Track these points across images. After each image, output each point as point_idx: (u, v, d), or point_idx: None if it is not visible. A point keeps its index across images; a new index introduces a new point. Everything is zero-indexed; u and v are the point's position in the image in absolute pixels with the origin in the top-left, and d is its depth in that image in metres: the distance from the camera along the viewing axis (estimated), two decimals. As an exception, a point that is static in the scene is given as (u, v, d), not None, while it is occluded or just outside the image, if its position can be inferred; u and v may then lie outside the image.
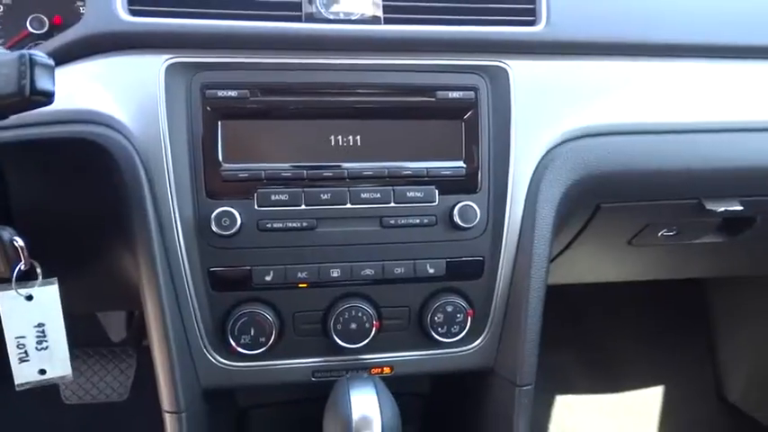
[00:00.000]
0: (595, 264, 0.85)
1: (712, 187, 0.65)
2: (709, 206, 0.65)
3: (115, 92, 0.55)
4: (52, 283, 0.52)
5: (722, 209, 0.64)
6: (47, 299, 0.51)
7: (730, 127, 0.63)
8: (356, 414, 0.47)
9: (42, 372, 0.52)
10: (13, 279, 0.49)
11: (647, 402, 1.26)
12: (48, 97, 0.41)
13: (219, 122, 0.56)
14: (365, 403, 0.47)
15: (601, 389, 1.24)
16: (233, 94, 0.56)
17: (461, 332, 0.61)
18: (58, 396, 1.06)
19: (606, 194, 0.64)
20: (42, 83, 0.40)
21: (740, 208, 0.65)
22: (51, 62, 0.41)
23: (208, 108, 0.56)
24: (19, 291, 0.50)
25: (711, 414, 1.23)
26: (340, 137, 0.58)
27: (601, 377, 1.25)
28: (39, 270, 0.51)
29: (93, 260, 0.64)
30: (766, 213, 0.69)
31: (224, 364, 0.58)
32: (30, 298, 0.51)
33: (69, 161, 0.55)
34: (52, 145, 0.53)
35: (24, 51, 0.40)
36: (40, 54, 0.41)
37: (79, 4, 0.66)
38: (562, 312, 1.11)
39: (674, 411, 1.24)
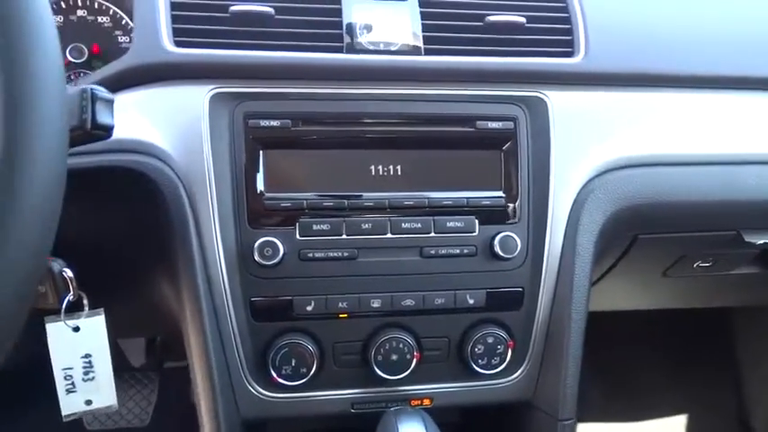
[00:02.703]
0: (628, 293, 0.84)
1: (751, 219, 0.65)
2: (749, 238, 0.64)
3: (159, 122, 0.55)
4: (99, 314, 0.52)
5: (762, 241, 0.64)
6: (93, 329, 0.51)
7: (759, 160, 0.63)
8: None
9: (89, 402, 0.52)
10: (63, 310, 0.49)
11: (661, 415, 1.25)
12: (107, 131, 0.41)
13: (262, 152, 0.57)
14: (414, 435, 0.47)
15: (623, 417, 1.23)
16: (275, 123, 0.57)
17: (502, 364, 0.60)
18: (81, 422, 1.05)
19: (645, 225, 0.64)
20: (103, 117, 0.41)
21: (782, 240, 0.65)
22: (112, 97, 0.42)
23: (251, 137, 0.56)
24: (67, 322, 0.50)
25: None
26: (380, 166, 0.59)
27: (623, 405, 1.23)
28: (85, 301, 0.51)
29: (134, 289, 0.64)
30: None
31: (264, 395, 0.58)
32: (77, 329, 0.51)
33: (114, 191, 0.56)
34: (97, 174, 0.53)
35: (86, 86, 0.40)
36: (100, 89, 0.41)
37: (117, 33, 0.67)
38: (586, 338, 1.10)
39: (692, 426, 1.22)
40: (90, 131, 0.40)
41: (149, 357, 1.15)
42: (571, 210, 0.60)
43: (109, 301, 0.55)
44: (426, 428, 0.48)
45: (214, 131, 0.56)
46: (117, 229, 0.57)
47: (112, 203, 0.57)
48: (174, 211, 0.54)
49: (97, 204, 0.56)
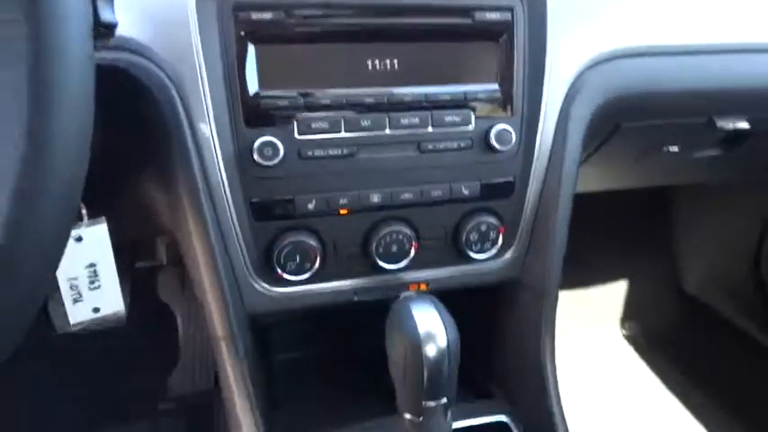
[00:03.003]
0: (599, 177, 0.89)
1: (724, 105, 0.69)
2: (720, 123, 0.68)
3: (144, 17, 0.51)
4: (100, 223, 0.51)
5: (731, 126, 0.68)
6: (96, 238, 0.51)
7: (746, 48, 0.66)
8: (422, 330, 0.49)
9: (96, 310, 0.52)
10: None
11: (612, 294, 1.38)
12: (111, 29, 0.38)
13: (254, 47, 0.54)
14: (428, 319, 0.50)
15: (570, 286, 1.34)
16: (267, 16, 0.54)
17: (493, 248, 0.64)
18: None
19: (628, 114, 0.66)
20: (105, 14, 0.37)
21: (747, 125, 0.69)
22: None
23: (241, 32, 0.53)
24: (74, 231, 0.49)
25: (672, 304, 1.36)
26: (377, 61, 0.57)
27: (571, 277, 1.35)
28: (84, 210, 0.50)
29: (122, 195, 0.63)
30: (766, 128, 0.74)
31: (269, 290, 0.60)
32: (79, 239, 0.50)
33: (99, 92, 0.52)
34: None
35: None
36: None
37: None
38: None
39: (638, 301, 1.37)
40: (93, 32, 0.37)
41: (118, 259, 1.14)
42: (563, 102, 0.62)
43: (99, 208, 0.54)
44: (437, 310, 0.51)
45: (203, 26, 0.52)
46: (108, 133, 0.55)
47: (102, 106, 0.53)
48: (167, 113, 0.52)
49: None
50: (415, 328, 0.50)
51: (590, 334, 1.37)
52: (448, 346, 0.50)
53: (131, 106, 0.53)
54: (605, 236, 1.13)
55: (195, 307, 1.20)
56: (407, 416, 0.53)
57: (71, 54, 0.31)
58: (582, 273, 1.31)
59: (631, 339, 1.37)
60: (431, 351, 0.50)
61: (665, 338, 1.35)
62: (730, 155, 0.80)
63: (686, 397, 1.24)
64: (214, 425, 1.07)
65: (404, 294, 0.58)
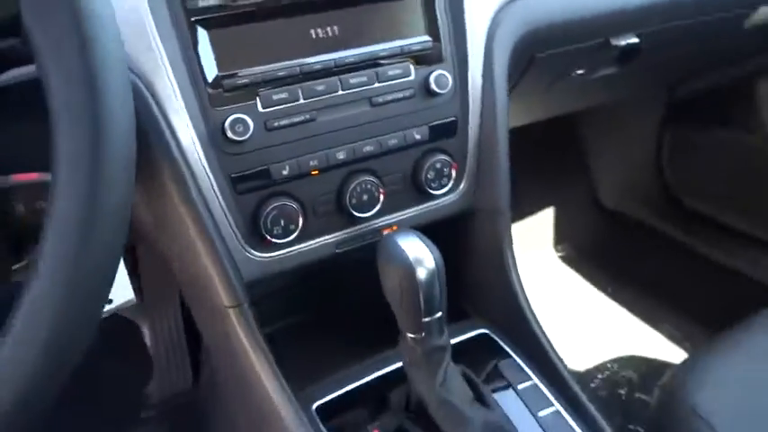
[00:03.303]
0: (518, 111, 0.99)
1: (618, 25, 0.79)
2: (614, 42, 0.79)
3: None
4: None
5: (623, 43, 0.79)
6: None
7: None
8: (412, 256, 0.56)
9: (110, 301, 0.55)
10: None
11: (544, 220, 1.51)
12: None
13: (206, 32, 0.58)
14: (415, 247, 0.57)
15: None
16: (213, 1, 0.58)
17: (449, 183, 0.71)
18: None
19: (541, 45, 0.76)
20: None
21: (637, 40, 0.80)
22: None
23: (192, 19, 0.57)
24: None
25: (595, 220, 1.51)
26: (320, 30, 0.63)
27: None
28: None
29: None
30: (652, 44, 0.86)
31: (260, 256, 0.64)
32: None
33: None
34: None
35: None
36: None
37: None
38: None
39: (566, 223, 1.51)
40: None
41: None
42: (485, 41, 0.70)
43: None
44: (420, 238, 0.58)
45: (157, 18, 0.56)
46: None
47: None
48: (141, 106, 0.55)
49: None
50: (406, 256, 0.57)
51: (530, 258, 1.49)
52: (436, 266, 0.57)
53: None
54: (530, 169, 1.24)
55: (158, 313, 1.21)
56: (410, 335, 0.60)
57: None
58: (514, 205, 1.43)
59: (566, 258, 1.52)
60: (422, 273, 0.56)
61: (595, 251, 1.50)
62: (624, 71, 0.92)
63: (619, 296, 1.40)
64: (198, 422, 1.10)
65: (385, 233, 0.65)
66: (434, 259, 0.57)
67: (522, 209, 1.47)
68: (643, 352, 1.29)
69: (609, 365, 1.27)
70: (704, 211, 1.33)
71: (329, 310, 0.85)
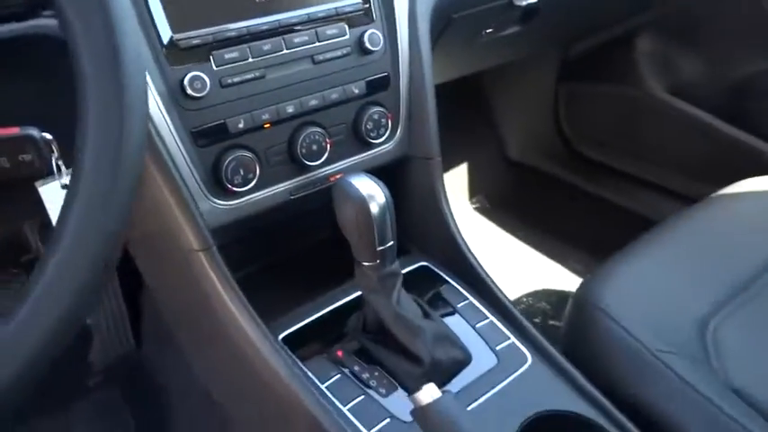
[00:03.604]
0: (437, 72, 1.08)
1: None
2: (516, 2, 0.90)
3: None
4: (75, 171, 0.56)
5: (524, 3, 0.90)
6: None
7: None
8: (365, 193, 0.64)
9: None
10: (56, 171, 0.53)
11: (458, 175, 1.64)
12: None
13: (158, -4, 0.62)
14: (367, 185, 0.64)
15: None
16: None
17: (386, 132, 0.80)
18: None
19: (455, 6, 0.85)
20: None
21: (536, 0, 0.91)
22: None
23: (142, -19, 0.61)
24: (60, 181, 0.54)
25: (505, 173, 1.65)
26: (262, -8, 0.68)
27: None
28: (60, 162, 0.55)
29: None
30: (548, 4, 0.97)
31: (223, 204, 0.69)
32: (65, 186, 0.55)
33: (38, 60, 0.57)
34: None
35: None
36: None
37: None
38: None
39: (478, 176, 1.64)
40: None
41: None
42: (409, 4, 0.78)
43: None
44: (371, 178, 0.66)
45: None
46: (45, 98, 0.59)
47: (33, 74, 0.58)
48: None
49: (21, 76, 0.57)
50: (360, 193, 0.64)
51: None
52: (386, 201, 0.65)
53: (61, 70, 0.58)
54: (443, 128, 1.35)
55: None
56: (366, 264, 0.68)
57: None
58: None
59: (480, 209, 1.65)
60: (374, 208, 0.64)
61: (505, 200, 1.64)
62: (525, 30, 1.04)
63: (529, 239, 1.55)
64: (147, 381, 1.12)
65: (338, 177, 0.72)
66: (384, 195, 0.65)
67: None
68: (553, 285, 1.45)
69: (524, 299, 1.42)
70: (596, 158, 1.50)
71: (286, 258, 0.91)
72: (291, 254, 0.91)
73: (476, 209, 1.67)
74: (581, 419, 0.65)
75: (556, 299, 1.39)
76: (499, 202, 1.65)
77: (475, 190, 1.66)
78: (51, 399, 1.13)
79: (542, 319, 1.36)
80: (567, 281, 1.45)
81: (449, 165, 1.62)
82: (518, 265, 1.50)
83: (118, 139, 0.37)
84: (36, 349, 0.38)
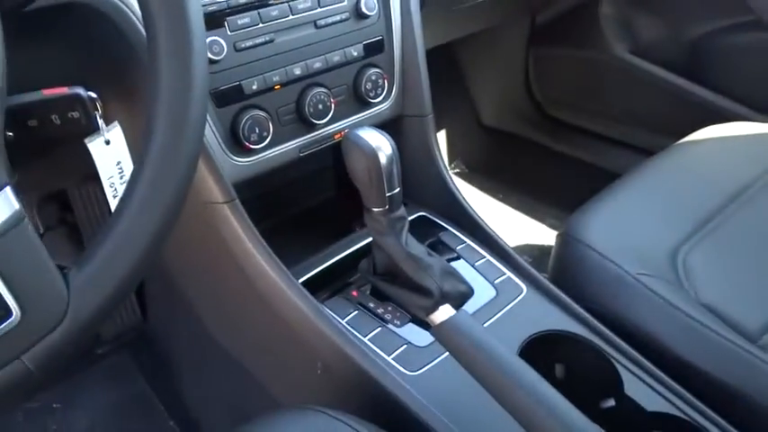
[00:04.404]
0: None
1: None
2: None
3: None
4: (116, 126, 0.61)
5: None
6: (118, 138, 0.61)
7: None
8: (373, 144, 0.70)
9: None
10: (101, 127, 0.58)
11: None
12: None
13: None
14: (374, 137, 0.71)
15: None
16: None
17: (383, 92, 0.86)
18: None
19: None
20: None
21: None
22: None
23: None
24: (104, 136, 0.59)
25: (480, 138, 1.73)
26: (269, -36, 0.73)
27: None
28: (101, 120, 0.60)
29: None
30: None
31: (241, 161, 0.75)
32: (108, 142, 0.60)
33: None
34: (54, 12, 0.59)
35: None
36: None
37: None
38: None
39: (456, 143, 1.72)
40: None
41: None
42: None
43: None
44: (378, 131, 0.72)
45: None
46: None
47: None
48: (129, 32, 0.63)
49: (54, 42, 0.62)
50: (369, 144, 0.71)
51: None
52: (393, 151, 0.72)
53: (98, 36, 0.63)
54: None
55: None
56: (376, 209, 0.74)
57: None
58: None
59: (460, 174, 1.73)
60: (383, 157, 0.71)
61: (483, 165, 1.73)
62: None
63: (508, 200, 1.64)
64: (155, 348, 1.17)
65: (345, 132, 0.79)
66: (391, 145, 0.72)
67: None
68: (533, 241, 1.54)
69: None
70: (566, 119, 1.59)
71: (297, 215, 0.97)
72: (302, 211, 0.97)
73: (455, 173, 1.74)
74: (573, 336, 0.74)
75: (538, 252, 1.48)
76: (477, 167, 1.73)
77: (453, 155, 1.74)
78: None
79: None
80: (546, 236, 1.54)
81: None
82: (500, 225, 1.58)
83: (188, 87, 0.42)
84: (124, 276, 0.43)
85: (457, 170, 1.74)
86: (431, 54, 1.37)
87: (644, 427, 0.67)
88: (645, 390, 0.68)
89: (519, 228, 1.57)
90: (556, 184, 1.58)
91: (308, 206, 1.01)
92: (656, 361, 0.70)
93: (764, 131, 1.07)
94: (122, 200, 0.43)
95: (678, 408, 0.66)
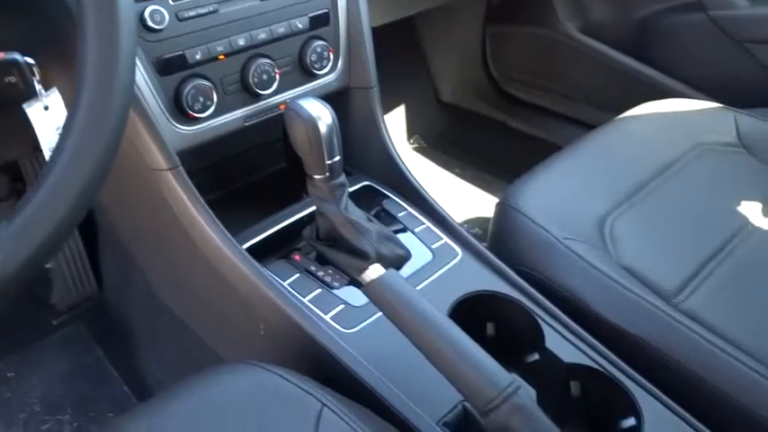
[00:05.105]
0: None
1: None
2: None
3: None
4: (55, 91, 0.63)
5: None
6: (56, 105, 0.63)
7: None
8: (314, 113, 0.73)
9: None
10: (39, 93, 0.60)
11: (396, 117, 1.74)
12: None
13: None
14: (315, 107, 0.74)
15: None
16: None
17: (329, 64, 0.89)
18: None
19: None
20: None
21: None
22: None
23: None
24: (42, 102, 0.61)
25: (438, 114, 1.77)
26: (209, -69, 0.75)
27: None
28: (39, 86, 0.62)
29: None
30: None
31: (185, 129, 0.77)
32: (47, 108, 0.62)
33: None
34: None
35: None
36: None
37: None
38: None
39: (414, 118, 1.75)
40: None
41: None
42: None
43: None
44: (318, 101, 0.75)
45: None
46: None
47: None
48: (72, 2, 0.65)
49: None
50: (309, 113, 0.74)
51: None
52: (332, 119, 0.75)
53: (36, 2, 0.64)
54: (380, 71, 1.45)
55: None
56: (317, 177, 0.77)
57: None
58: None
59: (419, 149, 1.77)
60: (323, 126, 0.74)
61: (441, 140, 1.76)
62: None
63: (465, 175, 1.69)
64: (109, 316, 1.19)
65: (289, 100, 0.81)
66: (330, 115, 0.75)
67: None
68: (486, 214, 1.59)
69: (462, 226, 1.56)
70: (520, 96, 1.63)
71: (245, 186, 1.00)
72: (255, 181, 1.00)
73: (414, 149, 1.78)
74: (502, 297, 0.79)
75: (488, 224, 1.53)
76: (435, 142, 1.77)
77: (412, 131, 1.77)
78: (17, 338, 1.18)
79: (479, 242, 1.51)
80: (497, 209, 1.59)
81: (386, 108, 1.71)
82: (455, 198, 1.63)
83: (115, 46, 0.45)
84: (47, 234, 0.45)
85: (416, 145, 1.78)
86: (390, 30, 1.40)
87: (562, 378, 0.72)
88: (563, 343, 0.73)
89: (473, 200, 1.62)
90: (510, 159, 1.62)
91: (261, 177, 1.03)
92: (576, 317, 0.76)
93: (697, 108, 1.13)
94: (52, 155, 0.45)
95: (592, 359, 0.71)
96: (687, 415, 0.69)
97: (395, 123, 1.75)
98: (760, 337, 0.75)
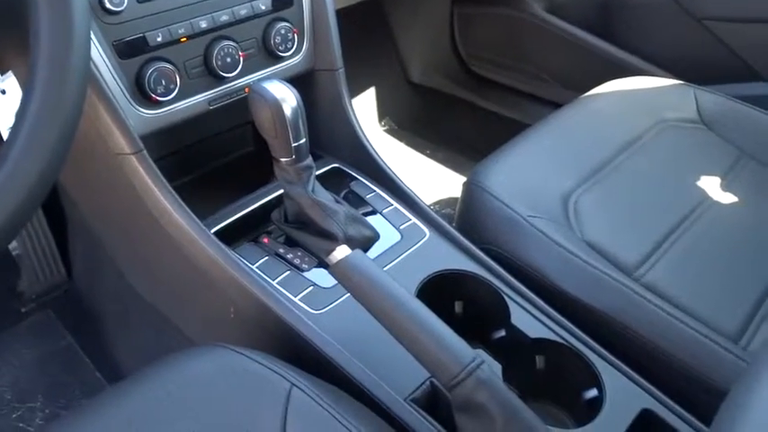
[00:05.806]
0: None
1: None
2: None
3: None
4: (10, 75, 0.62)
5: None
6: (13, 89, 0.62)
7: None
8: (278, 96, 0.73)
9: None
10: None
11: (366, 99, 1.74)
12: None
13: None
14: (279, 89, 0.73)
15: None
16: None
17: (293, 46, 0.88)
18: None
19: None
20: None
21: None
22: None
23: None
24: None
25: (408, 95, 1.77)
26: None
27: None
28: (-6, 69, 0.61)
29: None
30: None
31: (148, 113, 0.77)
32: (3, 92, 0.61)
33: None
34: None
35: None
36: None
37: None
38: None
39: (385, 100, 1.75)
40: None
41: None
42: None
43: None
44: (282, 83, 0.75)
45: None
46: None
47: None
48: None
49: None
50: (273, 95, 0.73)
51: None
52: (297, 102, 0.75)
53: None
54: (349, 53, 1.44)
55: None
56: (283, 159, 0.78)
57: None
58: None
59: (389, 131, 1.77)
60: (287, 108, 0.74)
61: (411, 121, 1.77)
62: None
63: (435, 155, 1.70)
64: (79, 303, 1.18)
65: (254, 82, 0.81)
66: (295, 97, 0.75)
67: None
68: (457, 194, 1.61)
69: (432, 207, 1.57)
70: (488, 76, 1.64)
71: (213, 171, 0.99)
72: (218, 167, 1.00)
73: (385, 130, 1.78)
74: (469, 275, 0.80)
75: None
76: (406, 123, 1.77)
77: (383, 113, 1.77)
78: None
79: (448, 222, 1.53)
80: (467, 189, 1.61)
81: (357, 90, 1.71)
82: (427, 179, 1.64)
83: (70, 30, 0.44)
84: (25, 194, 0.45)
85: (386, 127, 1.78)
86: (358, 11, 1.39)
87: (527, 352, 0.74)
88: (528, 319, 0.75)
89: (444, 181, 1.63)
90: (479, 139, 1.63)
91: (229, 161, 1.03)
92: (540, 293, 0.78)
93: (660, 85, 1.15)
94: (9, 137, 0.45)
95: (556, 333, 0.74)
96: (647, 384, 0.72)
97: (365, 106, 1.75)
98: (716, 308, 0.77)
